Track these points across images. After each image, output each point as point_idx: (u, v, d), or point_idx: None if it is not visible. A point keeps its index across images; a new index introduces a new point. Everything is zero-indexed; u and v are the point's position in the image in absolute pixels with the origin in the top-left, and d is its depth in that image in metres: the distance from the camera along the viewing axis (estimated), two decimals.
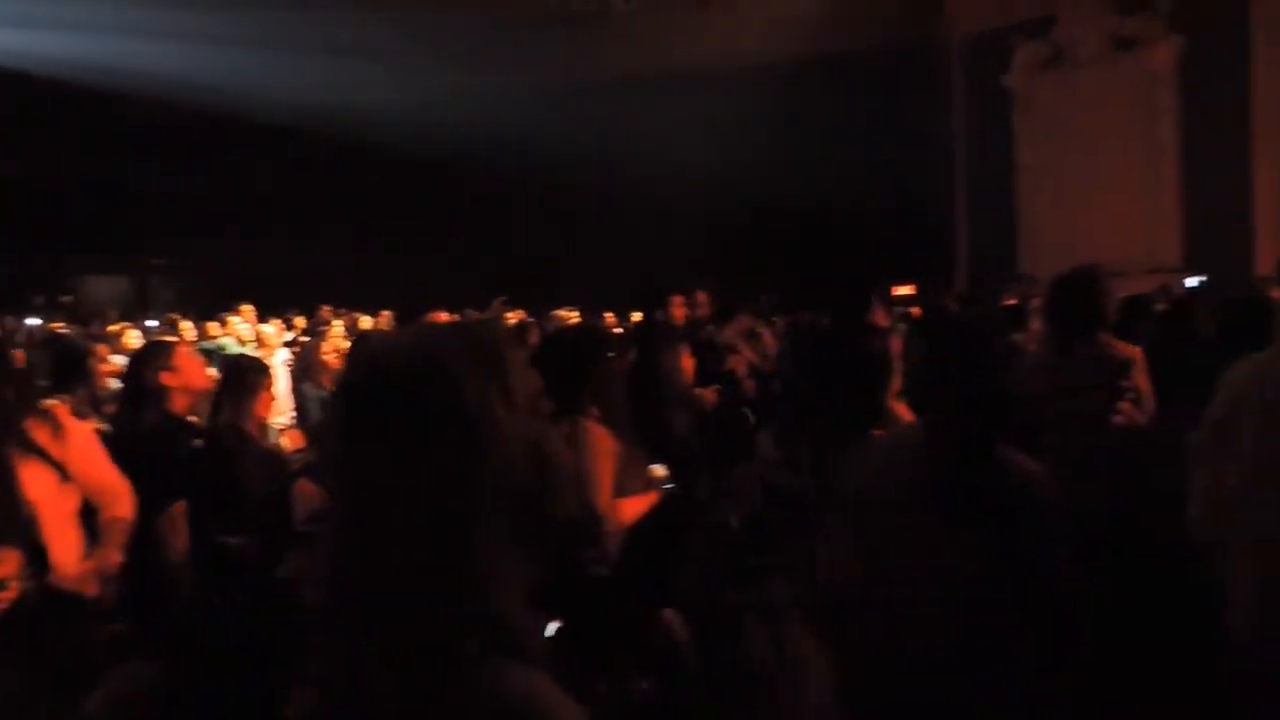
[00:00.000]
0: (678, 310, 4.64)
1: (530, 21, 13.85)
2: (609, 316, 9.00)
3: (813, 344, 3.58)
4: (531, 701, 0.85)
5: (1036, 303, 5.29)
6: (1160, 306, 4.76)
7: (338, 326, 7.85)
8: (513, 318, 8.56)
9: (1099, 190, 13.10)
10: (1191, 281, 9.65)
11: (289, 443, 5.52)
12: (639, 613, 2.45)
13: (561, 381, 2.45)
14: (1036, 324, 4.69)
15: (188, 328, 8.13)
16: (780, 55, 13.77)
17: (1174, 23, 12.52)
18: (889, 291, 12.02)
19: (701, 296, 4.61)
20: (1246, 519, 1.93)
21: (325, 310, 9.60)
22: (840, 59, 13.88)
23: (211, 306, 9.95)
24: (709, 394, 4.09)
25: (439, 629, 0.87)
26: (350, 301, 10.61)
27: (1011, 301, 6.91)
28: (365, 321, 8.97)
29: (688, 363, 3.23)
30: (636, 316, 6.36)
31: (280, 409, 6.07)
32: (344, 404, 0.94)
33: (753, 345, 5.32)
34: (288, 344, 7.95)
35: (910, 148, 13.80)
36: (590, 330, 3.30)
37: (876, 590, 2.06)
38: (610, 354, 2.66)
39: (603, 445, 2.49)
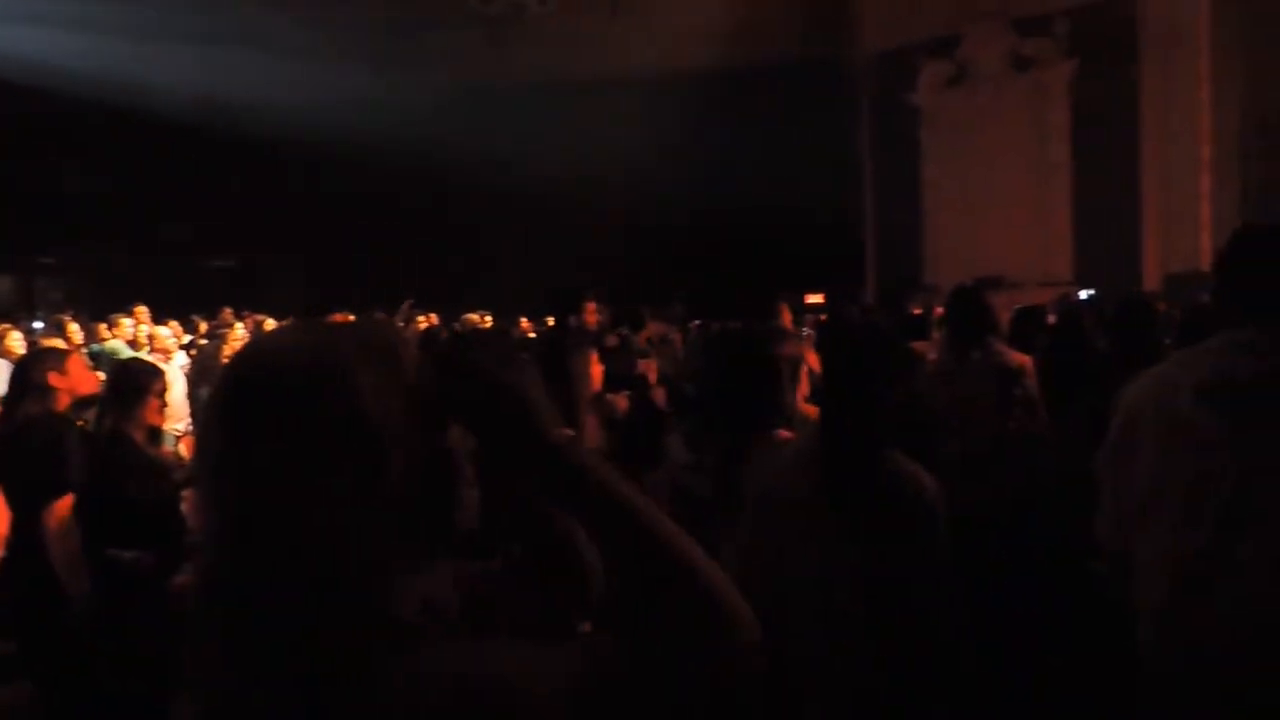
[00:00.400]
0: (591, 316, 4.63)
1: (442, 23, 13.70)
2: (524, 321, 8.94)
3: (720, 348, 3.61)
4: (457, 678, 0.83)
5: (939, 312, 5.46)
6: (1051, 318, 4.98)
7: (240, 330, 7.58)
8: (423, 321, 8.42)
9: (999, 205, 13.64)
10: (1083, 294, 10.10)
11: (186, 450, 5.31)
12: (557, 621, 2.43)
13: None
14: (938, 332, 4.85)
15: (75, 330, 7.74)
16: (694, 65, 13.94)
17: (1069, 45, 13.14)
18: (801, 299, 12.33)
19: (592, 304, 4.61)
20: (1149, 535, 1.95)
21: (227, 313, 9.27)
22: (754, 71, 14.13)
23: (102, 308, 9.51)
24: (620, 399, 4.09)
25: (333, 637, 0.84)
26: (255, 304, 10.28)
27: (916, 311, 7.11)
28: (270, 324, 8.70)
29: (596, 369, 3.21)
30: (551, 322, 6.33)
31: (177, 415, 5.84)
32: (228, 403, 0.90)
33: (663, 351, 5.34)
34: (185, 347, 7.65)
35: (822, 160, 14.12)
36: (496, 334, 3.26)
37: (769, 592, 2.09)
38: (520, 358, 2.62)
39: None
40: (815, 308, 11.60)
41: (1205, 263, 10.11)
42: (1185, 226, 12.04)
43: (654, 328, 6.80)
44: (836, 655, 1.92)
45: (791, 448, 2.12)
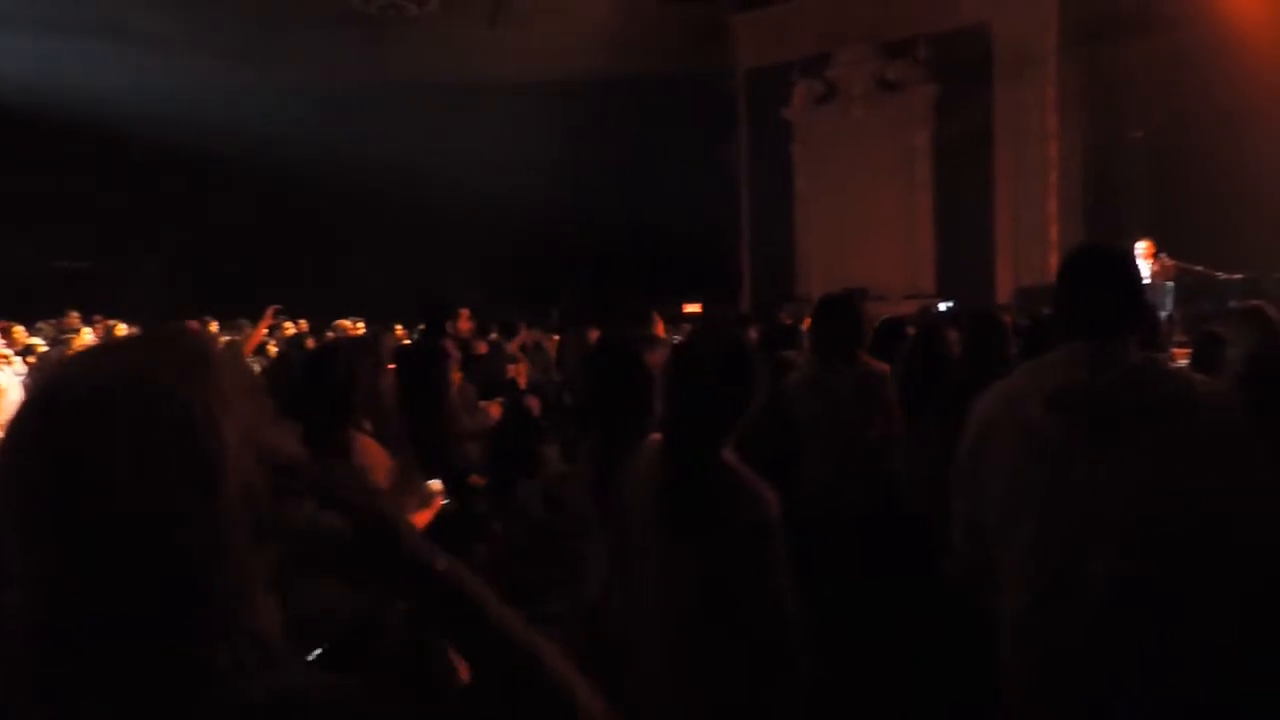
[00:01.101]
0: (464, 323, 4.57)
1: (318, 19, 13.27)
2: (399, 329, 8.73)
3: (593, 357, 3.62)
4: (291, 706, 0.80)
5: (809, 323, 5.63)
6: (911, 329, 5.21)
7: (88, 334, 7.12)
8: (291, 328, 8.11)
9: (867, 220, 14.20)
10: (942, 306, 10.61)
11: None
12: (413, 634, 2.37)
13: (331, 393, 2.33)
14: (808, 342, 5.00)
15: None
16: (575, 75, 13.99)
17: (930, 70, 13.82)
18: (679, 308, 12.50)
19: (465, 311, 4.56)
20: (1008, 544, 2.02)
21: (73, 317, 8.70)
22: (634, 82, 14.27)
23: None
24: (493, 407, 4.04)
25: (175, 660, 0.79)
26: (106, 308, 9.66)
27: (788, 321, 7.31)
28: (121, 329, 8.20)
29: (456, 376, 3.16)
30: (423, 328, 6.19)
31: None
32: (36, 425, 0.83)
33: (537, 359, 5.32)
34: (20, 353, 7.12)
35: (701, 172, 14.38)
36: (363, 340, 3.17)
37: (622, 599, 2.10)
38: (382, 365, 2.56)
39: (373, 460, 2.39)
40: (693, 317, 11.79)
41: (1053, 277, 10.79)
42: (1035, 244, 12.83)
43: (528, 335, 6.77)
44: (679, 661, 1.95)
45: (644, 456, 2.14)
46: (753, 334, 6.07)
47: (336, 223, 15.20)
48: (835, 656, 2.87)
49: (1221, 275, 10.21)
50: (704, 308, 12.25)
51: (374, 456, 2.39)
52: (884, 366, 3.40)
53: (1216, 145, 12.81)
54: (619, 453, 2.47)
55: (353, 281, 13.48)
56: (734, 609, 1.91)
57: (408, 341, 7.20)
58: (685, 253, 13.81)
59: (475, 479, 2.86)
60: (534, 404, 4.78)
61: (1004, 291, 12.50)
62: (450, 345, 4.46)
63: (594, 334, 4.90)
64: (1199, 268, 10.35)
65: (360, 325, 8.31)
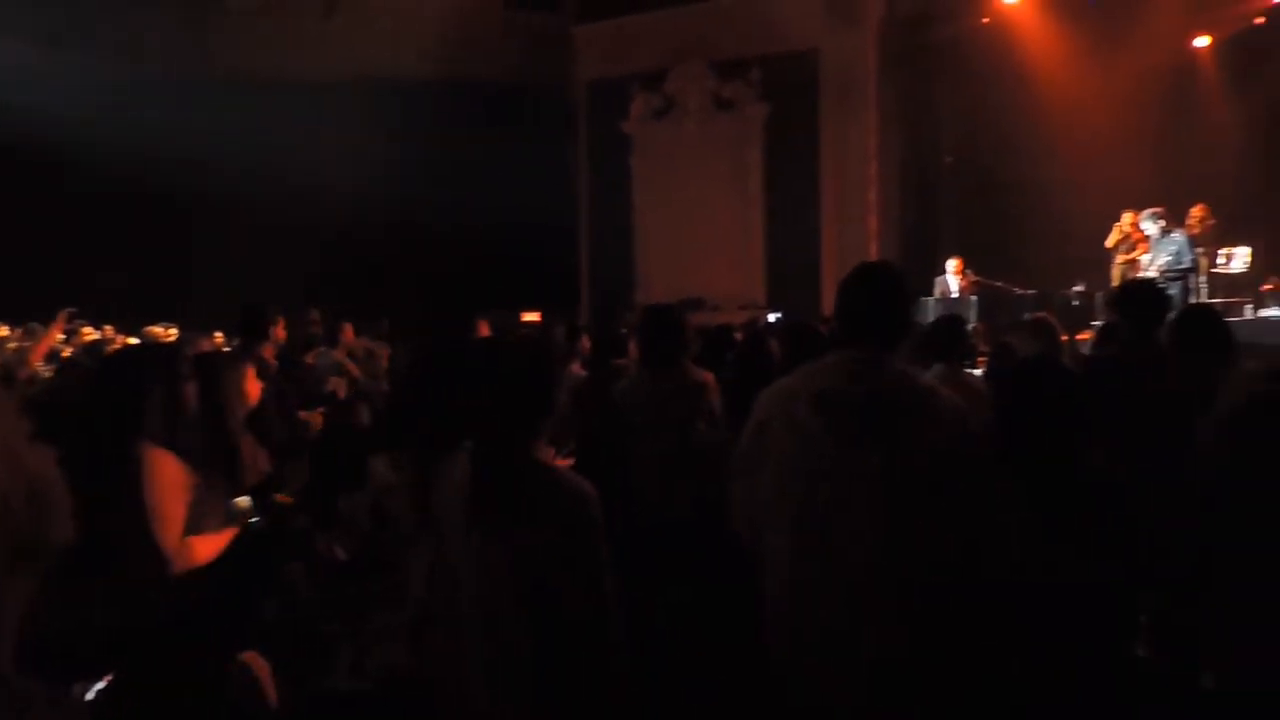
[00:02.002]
0: (281, 331, 4.37)
1: (130, 4, 12.38)
2: (218, 335, 8.24)
3: (413, 364, 3.54)
4: None
5: None
6: (739, 336, 5.42)
7: None
8: (92, 333, 7.52)
9: (702, 232, 14.60)
10: (771, 317, 11.05)
11: None
12: (212, 660, 2.24)
13: (118, 405, 2.18)
14: None
15: None
16: (415, 75, 13.64)
17: (762, 90, 14.38)
18: (518, 316, 12.42)
19: (282, 320, 4.39)
20: (772, 529, 2.20)
21: None
22: (473, 86, 14.07)
23: None
24: (315, 417, 3.89)
25: None
26: None
27: (624, 330, 7.41)
28: None
29: (254, 386, 3.02)
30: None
31: None
32: None
33: (368, 367, 5.16)
34: None
35: (540, 180, 14.34)
36: (162, 349, 2.98)
37: (443, 606, 2.09)
38: (183, 376, 2.40)
39: (169, 476, 2.25)
40: (532, 326, 11.75)
41: None
42: (857, 259, 13.36)
43: (360, 343, 6.55)
44: (499, 665, 1.96)
45: (459, 462, 2.15)
46: (586, 343, 6.13)
47: (156, 221, 14.18)
48: (658, 659, 2.94)
49: (1017, 290, 11.12)
50: (543, 317, 12.23)
51: (169, 472, 2.25)
52: (708, 375, 3.50)
53: (1011, 170, 14.00)
54: (439, 460, 2.44)
55: (170, 284, 12.61)
56: (553, 607, 1.94)
57: (226, 349, 6.81)
58: (524, 261, 13.71)
59: (283, 496, 2.74)
60: (363, 413, 4.63)
61: (829, 303, 13.13)
62: (269, 353, 4.26)
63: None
64: (998, 283, 11.24)
65: (173, 331, 7.80)
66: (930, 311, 10.42)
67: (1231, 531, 2.06)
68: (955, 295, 11.09)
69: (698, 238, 14.56)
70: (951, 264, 11.40)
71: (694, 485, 3.37)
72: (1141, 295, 3.74)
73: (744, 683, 3.23)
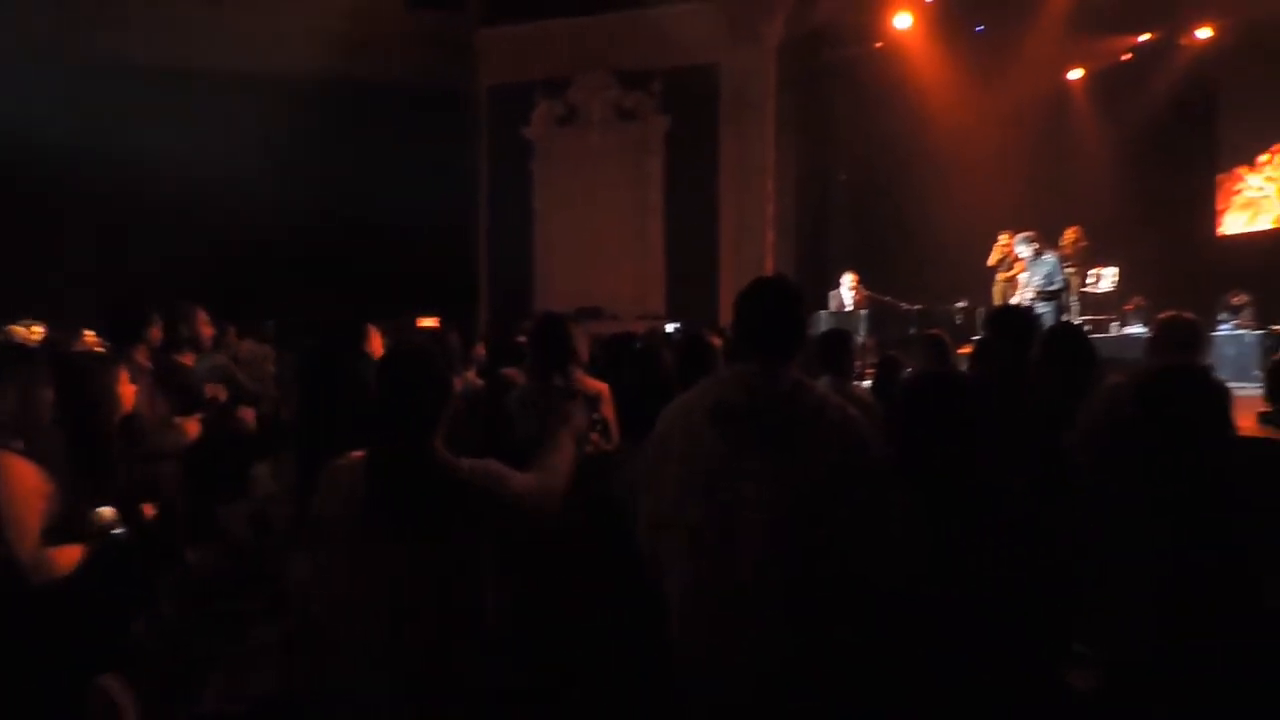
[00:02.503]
0: (157, 332, 4.17)
1: None
2: (88, 334, 7.79)
3: (305, 370, 3.44)
4: None
5: None
6: (639, 346, 5.44)
7: None
8: None
9: (603, 241, 14.64)
10: (669, 328, 11.14)
11: None
12: (69, 683, 2.11)
13: None
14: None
15: None
16: (307, 69, 13.23)
17: (663, 102, 14.53)
18: (414, 321, 12.15)
19: (159, 321, 4.20)
20: (673, 536, 2.24)
21: None
22: (372, 84, 13.75)
23: None
24: (190, 424, 3.71)
25: None
26: None
27: (522, 339, 7.33)
28: None
29: (128, 390, 2.88)
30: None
31: None
32: None
33: (252, 370, 4.97)
34: None
35: (439, 183, 14.10)
36: (9, 349, 2.81)
37: (335, 611, 2.05)
38: (40, 378, 2.26)
39: (24, 483, 2.11)
40: (430, 331, 11.51)
41: None
42: (754, 271, 13.77)
43: (244, 345, 6.31)
44: (394, 671, 1.92)
45: (343, 468, 2.11)
46: (481, 351, 6.05)
47: (24, 212, 13.34)
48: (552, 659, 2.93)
49: (904, 305, 11.53)
50: (440, 322, 12.01)
51: (23, 479, 2.11)
52: (600, 385, 3.50)
53: (901, 189, 14.56)
54: (326, 466, 2.37)
55: (39, 280, 11.88)
56: (456, 608, 1.94)
57: (99, 349, 6.45)
58: (422, 265, 13.45)
59: (150, 506, 2.60)
60: (249, 420, 4.45)
61: (726, 314, 13.31)
62: (143, 355, 4.06)
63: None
64: (887, 298, 11.63)
65: (38, 330, 7.35)
66: (823, 324, 10.71)
67: (1098, 529, 2.21)
68: (849, 309, 11.43)
69: (598, 246, 14.59)
70: (847, 278, 11.76)
71: (585, 498, 3.36)
72: (1014, 318, 3.92)
73: (641, 685, 3.24)
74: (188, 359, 4.54)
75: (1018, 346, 3.69)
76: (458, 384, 4.70)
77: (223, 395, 3.92)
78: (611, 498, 3.52)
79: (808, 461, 2.10)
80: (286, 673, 2.47)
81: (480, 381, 4.89)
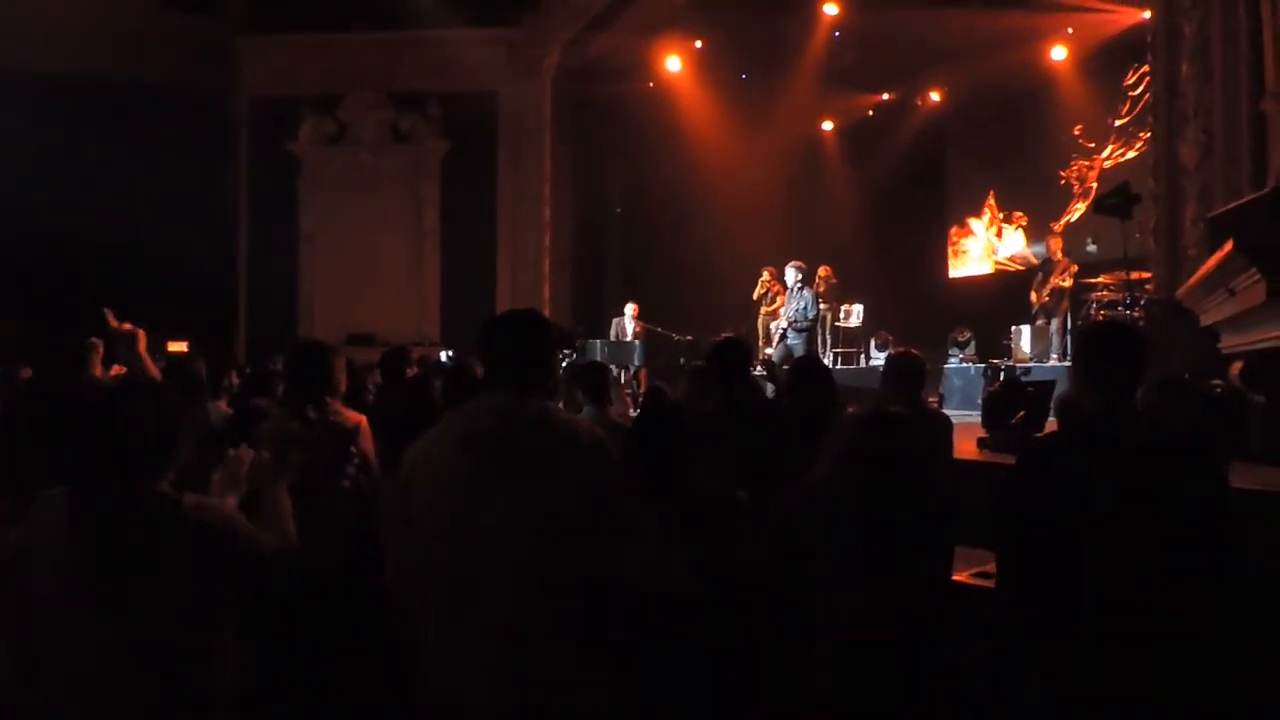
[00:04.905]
0: None
1: None
2: None
3: (16, 395, 3.07)
4: None
5: None
6: (412, 372, 5.32)
7: None
8: None
9: (375, 265, 14.14)
10: (443, 355, 10.92)
11: None
12: None
13: None
14: None
15: None
16: (48, 66, 11.93)
17: (441, 126, 14.31)
18: (164, 345, 11.12)
19: None
20: (421, 576, 2.18)
21: None
22: (122, 87, 12.60)
23: None
24: None
25: None
26: None
27: (275, 367, 6.91)
28: None
29: None
30: None
31: None
32: None
33: None
34: None
35: (196, 197, 13.09)
36: None
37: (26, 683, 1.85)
38: None
39: None
40: (180, 356, 10.59)
41: None
42: (529, 300, 13.81)
43: None
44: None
45: (52, 512, 1.93)
46: (234, 379, 5.66)
47: None
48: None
49: (675, 336, 11.99)
50: (190, 346, 11.09)
51: None
52: (358, 417, 3.37)
53: (673, 223, 15.22)
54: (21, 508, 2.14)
55: None
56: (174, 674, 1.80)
57: None
58: (173, 284, 12.34)
59: None
60: None
61: None
62: None
63: (26, 373, 4.12)
64: (659, 329, 12.05)
65: None
66: (598, 353, 10.91)
67: (836, 547, 2.40)
68: (629, 338, 11.75)
69: (371, 271, 14.08)
70: (629, 309, 12.10)
71: (339, 534, 3.20)
72: (736, 353, 4.13)
73: None
74: None
75: (743, 379, 3.98)
76: (211, 414, 4.35)
77: None
78: (367, 536, 3.38)
79: (559, 486, 2.13)
80: None
81: (231, 411, 4.56)
